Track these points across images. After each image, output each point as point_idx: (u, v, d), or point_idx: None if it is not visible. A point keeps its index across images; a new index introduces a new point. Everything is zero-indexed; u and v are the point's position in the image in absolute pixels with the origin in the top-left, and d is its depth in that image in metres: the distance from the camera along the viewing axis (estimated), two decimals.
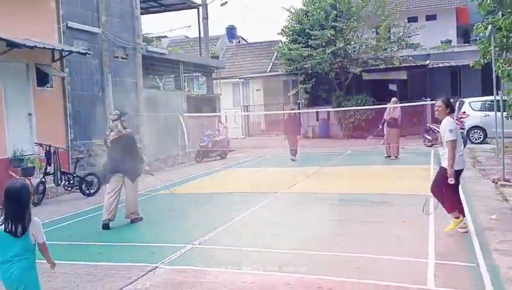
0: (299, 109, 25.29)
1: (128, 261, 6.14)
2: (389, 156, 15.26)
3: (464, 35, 27.04)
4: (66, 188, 11.47)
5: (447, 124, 6.64)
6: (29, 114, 11.75)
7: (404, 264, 5.63)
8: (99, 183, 11.49)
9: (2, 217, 3.76)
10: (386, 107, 15.72)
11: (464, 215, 6.84)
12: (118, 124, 8.27)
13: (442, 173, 6.74)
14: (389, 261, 5.73)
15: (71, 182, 11.42)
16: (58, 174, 11.05)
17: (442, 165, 6.78)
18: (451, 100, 7.14)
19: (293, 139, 16.38)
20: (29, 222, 3.77)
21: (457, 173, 6.66)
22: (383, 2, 23.51)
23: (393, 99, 15.84)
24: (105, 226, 8.00)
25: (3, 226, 3.72)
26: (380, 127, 16.01)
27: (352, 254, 6.02)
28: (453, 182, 6.52)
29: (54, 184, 11.12)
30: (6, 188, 3.80)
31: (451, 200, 6.78)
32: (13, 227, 3.70)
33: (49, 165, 10.93)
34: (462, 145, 6.88)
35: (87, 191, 11.38)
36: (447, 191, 6.77)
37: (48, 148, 10.94)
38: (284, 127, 17.63)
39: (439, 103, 6.93)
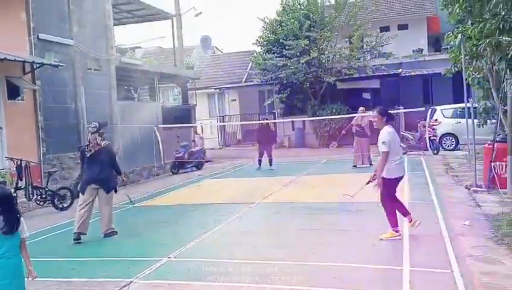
0: (275, 118, 25.38)
1: (103, 276, 6.02)
2: (355, 166, 15.32)
3: (435, 43, 27.59)
4: (38, 202, 11.22)
5: (383, 135, 6.88)
6: (0, 128, 11.49)
7: (380, 272, 5.66)
8: (72, 197, 11.28)
9: None
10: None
11: (397, 226, 6.93)
12: (96, 136, 8.13)
13: (383, 183, 6.91)
14: (365, 269, 5.76)
15: (43, 196, 11.19)
16: (30, 189, 10.83)
17: (382, 175, 6.95)
18: (389, 109, 7.42)
19: (264, 149, 16.46)
20: (19, 219, 4.09)
21: (396, 181, 6.94)
22: (354, 12, 23.85)
23: (361, 108, 15.99)
24: (77, 240, 7.86)
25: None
26: (344, 133, 16.19)
27: (329, 263, 6.02)
28: (379, 189, 6.85)
29: (25, 199, 10.87)
30: None
31: (393, 209, 7.00)
32: (9, 227, 3.98)
33: (21, 180, 10.70)
34: (400, 154, 7.06)
35: (60, 205, 11.16)
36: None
37: (19, 162, 10.71)
38: (257, 137, 17.71)
39: (374, 113, 7.19)
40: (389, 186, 6.89)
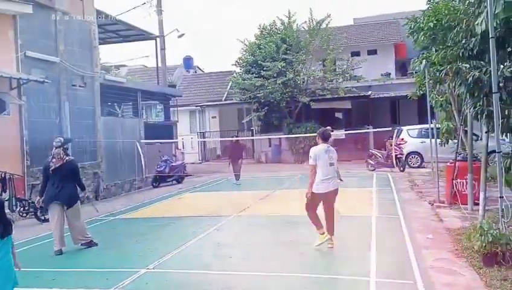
0: (253, 135, 25.46)
1: (82, 287, 5.90)
2: None
3: (402, 68, 28.11)
4: (21, 214, 10.95)
5: (311, 150, 7.38)
6: None
7: (348, 283, 5.67)
8: None
9: None
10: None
11: (323, 232, 7.19)
12: (60, 151, 7.90)
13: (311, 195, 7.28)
14: (335, 280, 5.77)
15: (26, 208, 10.93)
16: (14, 201, 10.60)
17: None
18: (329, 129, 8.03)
19: (236, 165, 16.51)
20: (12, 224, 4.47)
21: (320, 196, 7.22)
22: (327, 37, 24.27)
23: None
24: (58, 254, 7.75)
25: None
26: None
27: (300, 274, 6.02)
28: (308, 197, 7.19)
29: (9, 210, 10.59)
30: None
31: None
32: (6, 231, 4.34)
33: (4, 192, 10.46)
34: (326, 172, 7.25)
35: (42, 217, 10.85)
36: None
37: (3, 174, 10.48)
38: (228, 154, 17.75)
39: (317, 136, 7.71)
40: (312, 199, 7.20)
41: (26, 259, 7.43)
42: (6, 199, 10.46)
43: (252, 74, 24.36)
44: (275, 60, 23.40)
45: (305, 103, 23.52)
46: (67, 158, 7.96)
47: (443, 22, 10.35)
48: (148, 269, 6.49)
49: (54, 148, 8.01)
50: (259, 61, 23.92)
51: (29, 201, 11.01)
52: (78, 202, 8.12)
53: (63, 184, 7.80)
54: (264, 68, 23.48)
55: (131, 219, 11.14)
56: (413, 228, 8.25)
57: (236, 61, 25.89)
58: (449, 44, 9.88)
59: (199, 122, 29.75)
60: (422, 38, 11.33)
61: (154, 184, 17.59)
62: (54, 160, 7.91)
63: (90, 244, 8.01)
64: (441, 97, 12.57)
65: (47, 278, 6.43)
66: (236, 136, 19.22)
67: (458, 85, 8.41)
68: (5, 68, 11.32)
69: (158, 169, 17.76)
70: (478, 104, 7.67)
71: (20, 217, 11.03)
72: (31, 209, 10.93)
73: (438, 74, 11.65)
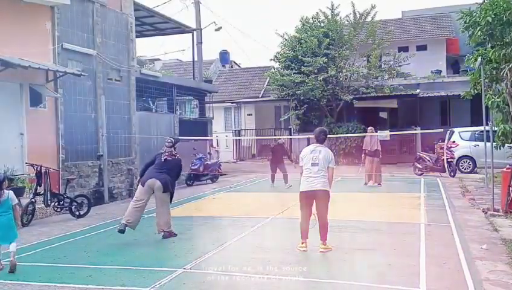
0: (291, 134, 25.46)
1: (118, 285, 6.08)
2: (366, 183, 15.35)
3: (454, 65, 27.52)
4: (55, 209, 11.34)
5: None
6: (21, 134, 11.72)
7: None
8: (89, 204, 11.43)
9: None
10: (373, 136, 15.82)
11: (303, 238, 7.59)
12: (172, 150, 9.11)
13: None
14: None
15: (61, 203, 11.29)
16: (48, 195, 10.93)
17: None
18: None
19: (276, 167, 16.42)
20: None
21: (301, 194, 7.71)
22: (373, 31, 23.97)
23: (369, 128, 15.91)
24: (121, 231, 8.51)
25: None
26: (363, 158, 16.10)
27: (343, 282, 6.01)
28: None
29: (43, 205, 11.01)
30: None
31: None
32: None
33: (40, 186, 10.82)
34: (307, 170, 7.87)
35: (77, 213, 11.27)
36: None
37: (38, 168, 10.86)
38: (271, 157, 17.71)
39: None
40: (300, 198, 7.75)
41: (61, 255, 7.80)
42: (41, 193, 10.87)
43: (292, 69, 24.34)
44: (317, 56, 23.30)
45: (347, 101, 23.34)
46: (177, 156, 9.20)
47: (502, 16, 10.14)
48: (185, 269, 6.63)
49: (166, 147, 9.14)
50: (299, 57, 23.87)
51: (64, 196, 11.39)
52: (170, 194, 9.03)
53: (167, 173, 8.90)
54: (305, 64, 23.42)
55: None
56: (465, 237, 8.10)
57: (275, 56, 25.86)
58: (508, 40, 9.66)
59: (234, 119, 29.99)
60: (478, 33, 11.10)
61: (188, 182, 17.84)
62: (166, 154, 9.04)
63: (170, 235, 8.75)
64: (498, 97, 12.25)
65: (83, 274, 6.65)
66: (279, 138, 19.14)
67: None
68: (42, 60, 11.75)
69: (192, 167, 17.98)
70: None
71: (55, 212, 11.43)
72: (66, 205, 11.31)
73: (494, 72, 11.40)
